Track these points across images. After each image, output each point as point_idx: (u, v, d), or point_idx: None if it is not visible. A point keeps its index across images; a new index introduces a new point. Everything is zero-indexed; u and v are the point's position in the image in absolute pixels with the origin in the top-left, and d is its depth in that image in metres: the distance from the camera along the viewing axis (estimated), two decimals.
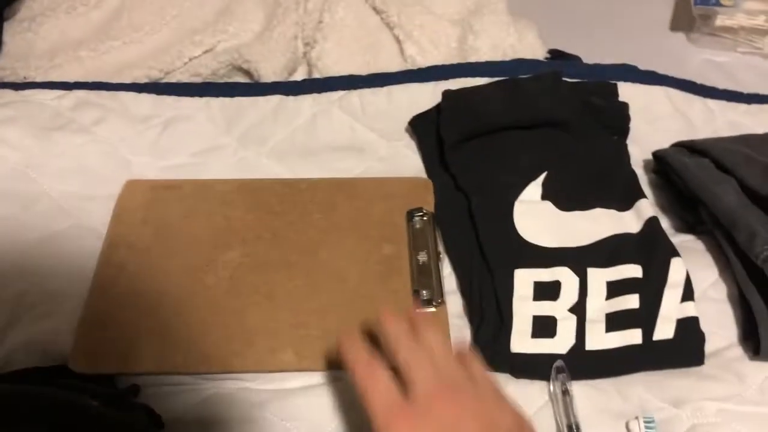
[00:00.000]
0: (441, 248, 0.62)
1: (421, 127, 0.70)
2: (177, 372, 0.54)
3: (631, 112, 0.71)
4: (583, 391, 0.53)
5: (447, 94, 0.68)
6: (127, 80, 0.76)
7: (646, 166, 0.71)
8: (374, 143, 0.71)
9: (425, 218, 0.63)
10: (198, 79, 0.78)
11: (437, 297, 0.58)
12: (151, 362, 0.54)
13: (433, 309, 0.58)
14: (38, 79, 0.77)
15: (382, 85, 0.73)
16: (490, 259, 0.59)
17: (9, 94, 0.71)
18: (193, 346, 0.54)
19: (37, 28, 0.81)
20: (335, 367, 0.54)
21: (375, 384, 0.43)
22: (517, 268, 0.58)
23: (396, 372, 0.44)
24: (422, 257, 0.60)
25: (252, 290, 0.58)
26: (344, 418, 0.52)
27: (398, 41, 0.78)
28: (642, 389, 0.54)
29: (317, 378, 0.55)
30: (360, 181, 0.67)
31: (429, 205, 0.64)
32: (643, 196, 0.64)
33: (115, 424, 0.46)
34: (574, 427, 0.51)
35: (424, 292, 0.58)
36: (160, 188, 0.65)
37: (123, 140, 0.69)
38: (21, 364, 0.55)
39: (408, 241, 0.62)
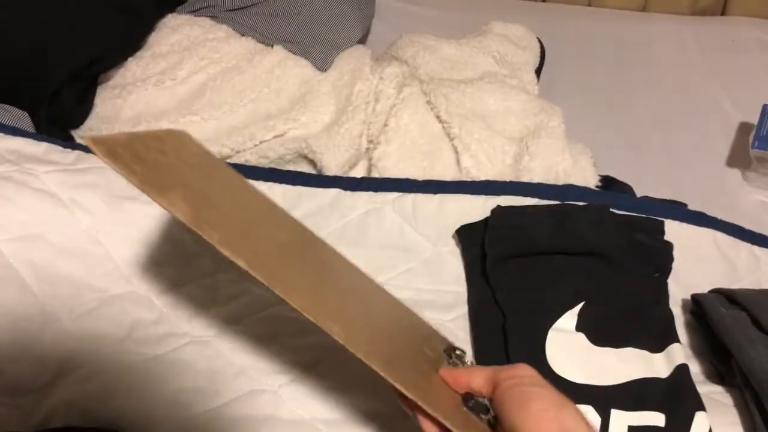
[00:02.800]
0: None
1: (467, 236, 0.73)
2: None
3: (676, 251, 0.72)
4: None
5: (496, 211, 0.71)
6: None
7: (685, 306, 0.72)
8: (420, 245, 0.74)
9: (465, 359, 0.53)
10: (265, 162, 0.83)
11: None
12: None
13: None
14: None
15: (435, 192, 0.76)
16: None
17: (92, 159, 0.76)
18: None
19: (126, 95, 0.88)
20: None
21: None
22: None
23: None
24: None
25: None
26: None
27: (456, 152, 0.81)
28: None
29: None
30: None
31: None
32: (677, 340, 0.65)
33: None
34: None
35: None
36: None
37: None
38: (60, 422, 0.58)
39: None
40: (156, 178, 0.44)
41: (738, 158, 0.96)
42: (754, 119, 0.91)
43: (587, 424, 0.41)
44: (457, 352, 0.53)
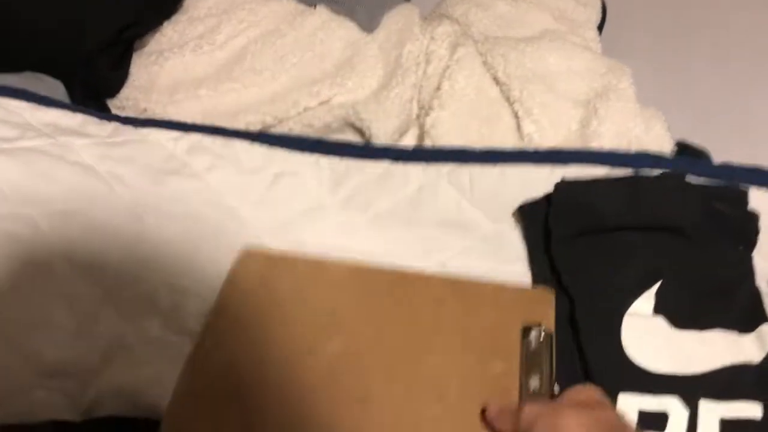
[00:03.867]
0: (555, 374, 0.55)
1: (529, 214, 0.68)
2: None
3: (762, 222, 0.66)
4: None
5: (560, 186, 0.65)
6: (242, 124, 0.78)
7: None
8: (479, 221, 0.69)
9: (542, 338, 0.57)
10: (310, 131, 0.78)
11: None
12: None
13: None
14: (157, 112, 0.80)
15: (495, 163, 0.70)
16: (594, 378, 0.55)
17: (129, 132, 0.72)
18: None
19: (163, 62, 0.83)
20: None
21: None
22: (622, 391, 0.54)
23: None
24: (534, 383, 0.54)
25: (347, 391, 0.54)
26: None
27: (516, 117, 0.75)
28: None
29: None
30: (476, 285, 0.62)
31: (549, 322, 0.58)
32: (767, 320, 0.59)
33: None
34: None
35: None
36: (276, 262, 0.63)
37: (232, 191, 0.70)
38: (108, 409, 0.55)
39: (521, 362, 0.55)
40: None
41: None
42: None
43: None
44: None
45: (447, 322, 0.59)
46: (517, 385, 0.54)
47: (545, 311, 0.59)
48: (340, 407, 0.54)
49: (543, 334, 0.57)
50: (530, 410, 0.47)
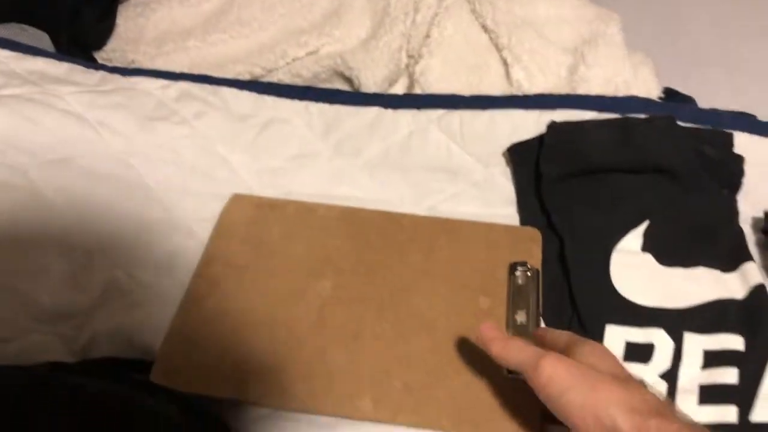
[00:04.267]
0: (542, 309, 0.57)
1: (519, 155, 0.68)
2: (255, 403, 0.53)
3: (746, 166, 0.67)
4: None
5: (553, 126, 0.66)
6: (230, 75, 0.77)
7: (755, 224, 0.66)
8: (469, 167, 0.70)
9: (529, 274, 0.58)
10: (299, 81, 0.78)
11: None
12: (231, 389, 0.53)
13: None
14: (145, 64, 0.79)
15: (484, 108, 0.71)
16: (581, 312, 0.56)
17: (117, 80, 0.72)
18: (273, 378, 0.53)
19: (150, 14, 0.83)
20: (411, 424, 0.52)
21: (513, 344, 0.46)
22: (610, 323, 0.55)
23: None
24: (520, 317, 0.56)
25: (339, 327, 0.56)
26: None
27: (505, 64, 0.75)
28: None
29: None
30: (465, 224, 0.63)
31: (535, 260, 0.60)
32: (750, 258, 0.60)
33: (176, 426, 0.46)
34: None
35: None
36: (265, 206, 0.64)
37: (221, 136, 0.70)
38: (103, 351, 0.56)
39: (507, 297, 0.57)
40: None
41: None
42: None
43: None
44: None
45: (436, 260, 0.60)
46: (504, 319, 0.56)
47: (532, 249, 0.60)
48: (334, 344, 0.55)
49: (530, 270, 0.58)
50: (555, 367, 0.42)
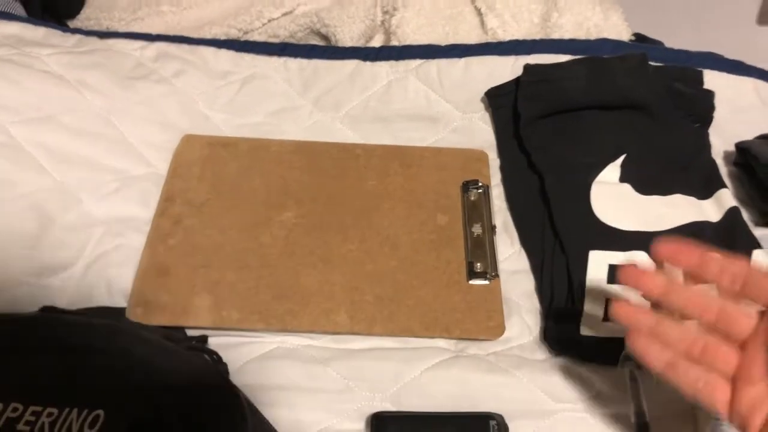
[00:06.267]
0: (495, 222, 0.61)
1: (497, 99, 0.70)
2: (233, 328, 0.54)
3: (716, 102, 0.69)
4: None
5: (528, 68, 0.67)
6: (207, 37, 0.77)
7: (727, 157, 0.69)
8: (449, 114, 0.71)
9: (480, 190, 0.63)
10: (276, 41, 0.79)
11: (491, 270, 0.58)
12: (208, 317, 0.54)
13: (486, 282, 0.57)
14: (120, 30, 0.79)
15: (460, 56, 0.72)
16: (564, 240, 0.58)
17: (94, 42, 0.72)
18: (248, 303, 0.55)
19: None
20: (386, 333, 0.55)
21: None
22: (593, 249, 0.57)
23: None
24: (476, 230, 0.60)
25: (307, 252, 0.58)
26: (406, 382, 0.53)
27: (480, 14, 0.77)
28: None
29: (380, 342, 0.55)
30: (416, 150, 0.67)
31: (485, 178, 0.64)
32: (724, 186, 0.63)
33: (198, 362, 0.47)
34: (642, 414, 0.50)
35: (478, 264, 0.58)
36: (217, 145, 0.65)
37: (201, 94, 0.70)
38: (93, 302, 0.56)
39: (462, 213, 0.61)
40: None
41: None
42: None
43: None
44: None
45: (392, 184, 0.63)
46: (461, 233, 0.60)
47: (480, 168, 0.65)
48: (305, 267, 0.57)
49: (481, 188, 0.63)
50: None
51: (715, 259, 0.40)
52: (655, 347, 0.40)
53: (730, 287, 0.40)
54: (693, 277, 0.42)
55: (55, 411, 0.41)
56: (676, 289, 0.41)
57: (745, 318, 0.39)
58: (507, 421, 0.50)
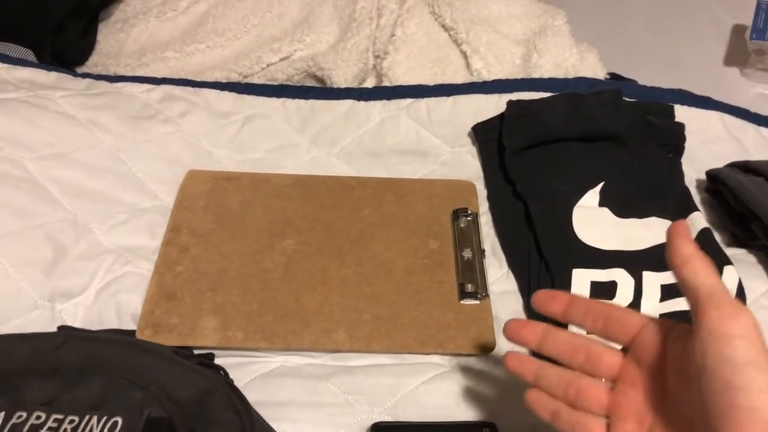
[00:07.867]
0: (484, 246, 0.65)
1: (482, 133, 0.74)
2: (238, 347, 0.57)
3: (686, 134, 0.74)
4: None
5: (512, 104, 0.72)
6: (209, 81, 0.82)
7: (699, 185, 0.74)
8: (438, 148, 0.75)
9: (470, 218, 0.67)
10: (274, 84, 0.83)
11: (482, 291, 0.61)
12: (214, 337, 0.57)
13: (477, 301, 0.61)
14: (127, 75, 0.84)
15: (448, 95, 0.77)
16: (548, 260, 0.62)
17: (104, 85, 0.76)
18: (252, 324, 0.58)
19: (129, 29, 0.88)
20: (384, 350, 0.58)
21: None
22: (575, 267, 0.61)
23: None
24: (467, 254, 0.64)
25: (307, 275, 0.62)
26: (403, 395, 0.55)
27: (465, 56, 0.82)
28: None
29: (378, 358, 0.58)
30: (407, 182, 0.71)
31: (473, 206, 0.68)
32: (697, 209, 0.67)
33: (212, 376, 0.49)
34: None
35: (468, 285, 0.61)
36: (220, 179, 0.69)
37: (205, 132, 0.74)
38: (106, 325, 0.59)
39: (453, 239, 0.65)
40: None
41: (735, 57, 0.98)
42: (747, 20, 0.94)
43: None
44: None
45: (386, 213, 0.67)
46: (452, 257, 0.64)
47: (469, 197, 0.70)
48: (305, 290, 0.61)
49: (470, 215, 0.67)
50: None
51: (581, 302, 0.43)
52: (543, 399, 0.43)
53: (593, 328, 0.41)
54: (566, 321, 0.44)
55: (76, 418, 0.44)
56: (552, 335, 0.43)
57: (610, 356, 0.41)
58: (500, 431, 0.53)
